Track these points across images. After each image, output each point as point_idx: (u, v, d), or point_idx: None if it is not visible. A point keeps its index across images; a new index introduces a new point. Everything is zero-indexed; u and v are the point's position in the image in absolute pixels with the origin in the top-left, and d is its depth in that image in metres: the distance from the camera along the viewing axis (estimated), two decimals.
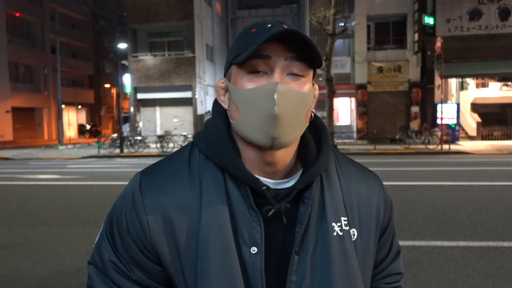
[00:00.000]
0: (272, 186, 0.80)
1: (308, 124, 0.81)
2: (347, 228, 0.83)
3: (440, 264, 4.20)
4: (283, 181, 0.82)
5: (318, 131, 0.86)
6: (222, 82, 0.82)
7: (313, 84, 0.80)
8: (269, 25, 0.75)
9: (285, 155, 0.80)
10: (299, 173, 0.83)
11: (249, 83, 0.75)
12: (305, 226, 0.79)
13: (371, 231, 0.87)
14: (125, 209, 0.82)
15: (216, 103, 0.86)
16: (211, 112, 0.87)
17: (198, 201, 0.79)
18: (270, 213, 0.77)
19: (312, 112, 0.83)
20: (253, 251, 0.77)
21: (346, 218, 0.83)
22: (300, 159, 0.84)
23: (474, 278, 3.84)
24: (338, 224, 0.82)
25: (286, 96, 0.72)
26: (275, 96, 0.71)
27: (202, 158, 0.82)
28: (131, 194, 0.82)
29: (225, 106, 0.82)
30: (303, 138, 0.84)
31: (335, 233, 0.81)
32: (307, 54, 0.75)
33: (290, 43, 0.74)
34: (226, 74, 0.82)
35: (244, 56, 0.73)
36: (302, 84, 0.76)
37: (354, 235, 0.84)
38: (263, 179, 0.80)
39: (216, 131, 0.81)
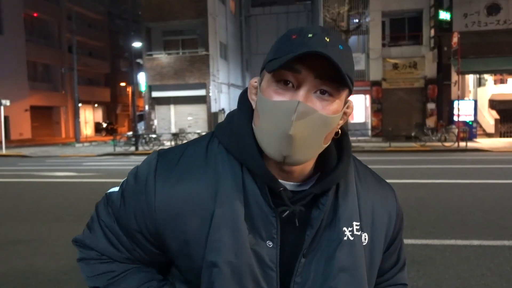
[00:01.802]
0: (289, 188, 0.80)
1: (327, 145, 0.79)
2: (358, 233, 0.83)
3: (453, 263, 4.14)
4: (299, 184, 0.82)
5: (340, 138, 0.85)
6: (255, 82, 0.81)
7: (346, 102, 0.77)
8: (310, 35, 0.72)
9: (302, 167, 0.80)
10: (316, 176, 0.82)
11: (274, 94, 0.73)
12: (317, 231, 0.80)
13: (380, 239, 0.88)
14: (136, 192, 0.82)
15: (242, 97, 0.85)
16: (237, 105, 0.85)
17: (212, 193, 0.78)
18: (285, 214, 0.77)
19: (339, 131, 0.82)
20: (269, 245, 0.78)
21: (358, 223, 0.83)
22: (317, 163, 0.83)
23: (487, 277, 3.78)
24: (350, 228, 0.81)
25: (305, 117, 0.70)
26: (294, 116, 0.69)
27: (221, 149, 0.81)
28: (145, 175, 0.82)
29: (253, 105, 0.80)
30: None
31: (345, 238, 0.81)
32: (339, 75, 0.71)
33: (324, 61, 0.70)
34: (261, 73, 0.80)
35: (275, 66, 0.71)
36: (328, 105, 0.73)
37: (365, 239, 0.84)
38: (281, 181, 0.80)
39: (240, 126, 0.80)
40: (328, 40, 0.71)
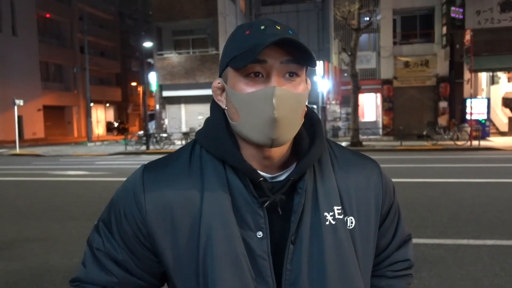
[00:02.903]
0: (269, 179, 0.83)
1: (303, 120, 0.83)
2: (341, 217, 0.84)
3: (466, 262, 4.10)
4: (278, 174, 0.84)
5: (313, 125, 0.88)
6: (219, 83, 0.85)
7: (306, 80, 0.83)
8: (262, 27, 0.77)
9: (282, 149, 0.83)
10: (293, 165, 0.85)
11: (247, 87, 0.77)
12: (300, 216, 0.81)
13: (370, 219, 0.88)
14: (124, 197, 0.85)
15: (214, 103, 0.89)
16: (210, 112, 0.89)
17: (199, 192, 0.81)
18: (266, 204, 0.79)
19: (306, 106, 0.85)
20: (259, 235, 0.80)
21: (340, 207, 0.84)
22: (294, 153, 0.86)
23: (501, 277, 3.74)
24: (331, 213, 0.83)
25: (284, 99, 0.75)
26: (274, 101, 0.74)
27: (204, 152, 0.85)
28: (132, 184, 0.85)
29: (223, 105, 0.84)
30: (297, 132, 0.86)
31: (327, 223, 0.82)
32: (302, 55, 0.77)
33: (285, 47, 0.76)
34: (222, 74, 0.84)
35: (244, 63, 0.75)
36: (297, 84, 0.79)
37: (352, 223, 0.85)
38: (260, 173, 0.82)
39: (214, 126, 0.84)
40: (279, 28, 0.78)
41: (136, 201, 0.83)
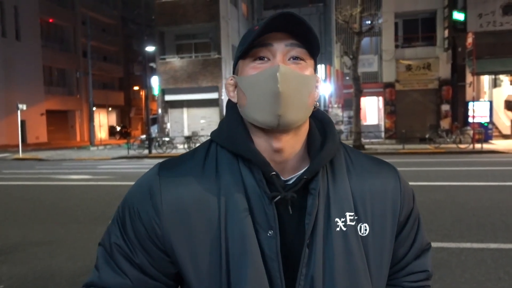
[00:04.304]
0: (282, 178, 0.83)
1: (312, 108, 0.84)
2: (353, 223, 0.82)
3: (470, 266, 4.09)
4: (291, 177, 0.84)
5: (324, 126, 0.89)
6: (231, 79, 0.87)
7: (315, 70, 0.85)
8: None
9: (292, 142, 0.82)
10: (307, 167, 0.84)
11: (254, 70, 0.80)
12: (315, 219, 0.80)
13: (386, 226, 0.85)
14: (140, 197, 0.83)
15: (229, 103, 0.90)
16: (225, 112, 0.91)
17: (215, 193, 0.81)
18: (276, 199, 0.79)
19: (316, 104, 0.85)
20: (270, 234, 0.79)
21: (352, 213, 0.83)
22: (308, 155, 0.86)
23: (505, 281, 3.73)
24: (342, 219, 0.81)
25: (288, 76, 0.77)
26: (278, 75, 0.76)
27: (219, 149, 0.86)
28: (148, 184, 0.84)
29: (235, 100, 0.86)
30: (309, 133, 0.86)
31: (338, 229, 0.81)
32: (307, 40, 0.80)
33: (290, 31, 0.79)
34: (234, 71, 0.87)
35: (246, 45, 0.79)
36: (303, 67, 0.81)
37: (366, 230, 0.83)
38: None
39: (229, 122, 0.86)
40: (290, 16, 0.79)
41: (153, 201, 0.81)
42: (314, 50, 0.82)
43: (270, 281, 0.78)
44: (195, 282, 0.81)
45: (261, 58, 0.80)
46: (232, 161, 0.83)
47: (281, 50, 0.79)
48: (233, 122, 0.85)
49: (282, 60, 0.79)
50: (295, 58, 0.80)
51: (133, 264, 0.83)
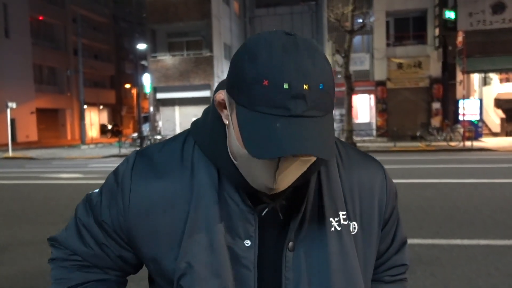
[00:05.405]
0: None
1: None
2: (346, 222, 0.80)
3: (460, 263, 4.12)
4: None
5: None
6: (223, 99, 0.73)
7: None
8: (285, 86, 0.62)
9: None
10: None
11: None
12: (301, 223, 0.77)
13: (373, 223, 0.85)
14: (112, 186, 0.83)
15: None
16: (211, 102, 0.80)
17: (187, 193, 0.77)
18: (264, 212, 0.75)
19: None
20: (247, 244, 0.75)
21: (345, 212, 0.81)
22: None
23: (495, 277, 3.76)
24: (336, 219, 0.80)
25: (288, 168, 0.68)
26: (276, 174, 0.68)
27: (197, 149, 0.80)
28: (122, 173, 0.83)
29: (225, 121, 0.74)
30: None
31: (333, 229, 0.79)
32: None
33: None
34: (228, 94, 0.70)
35: (258, 155, 0.63)
36: (309, 160, 0.71)
37: (354, 228, 0.82)
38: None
39: (214, 129, 0.77)
40: (307, 88, 0.63)
41: (122, 192, 0.80)
42: (329, 152, 0.67)
43: None
44: (159, 278, 0.81)
45: None
46: (209, 165, 0.78)
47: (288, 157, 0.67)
48: (218, 130, 0.76)
49: (285, 157, 0.66)
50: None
51: (97, 242, 0.84)
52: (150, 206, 0.78)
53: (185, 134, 0.84)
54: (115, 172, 0.84)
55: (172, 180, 0.78)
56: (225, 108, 0.72)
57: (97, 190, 0.89)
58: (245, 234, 0.75)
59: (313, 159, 0.70)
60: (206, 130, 0.79)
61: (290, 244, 0.77)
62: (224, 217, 0.76)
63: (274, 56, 0.63)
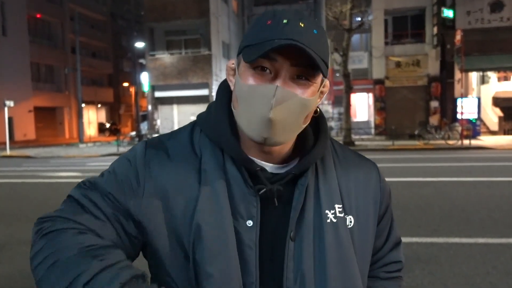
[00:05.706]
0: (269, 170, 0.83)
1: (306, 125, 0.81)
2: (342, 215, 0.84)
3: (458, 261, 4.13)
4: (280, 166, 0.84)
5: (317, 120, 0.88)
6: (233, 63, 0.83)
7: (322, 81, 0.79)
8: (284, 21, 0.73)
9: (280, 147, 0.82)
10: (297, 159, 0.85)
11: (252, 79, 0.75)
12: (300, 213, 0.81)
13: (369, 218, 0.88)
14: (127, 170, 0.82)
15: (220, 87, 0.88)
16: (215, 95, 0.89)
17: (196, 176, 0.81)
18: (261, 192, 0.79)
19: (317, 109, 0.84)
20: (249, 224, 0.79)
21: (341, 206, 0.84)
22: (298, 146, 0.86)
23: (493, 275, 3.77)
24: (332, 211, 0.83)
25: (284, 101, 0.73)
26: (273, 101, 0.72)
27: (203, 137, 0.85)
28: (134, 159, 0.84)
29: (232, 86, 0.83)
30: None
31: (328, 220, 0.82)
32: (315, 64, 0.73)
33: (299, 50, 0.72)
34: (238, 56, 0.81)
35: (252, 57, 0.73)
36: (306, 88, 0.75)
37: (351, 222, 0.85)
38: (261, 162, 0.82)
39: (217, 114, 0.84)
40: (302, 25, 0.73)
41: (139, 177, 0.81)
42: (323, 71, 0.75)
43: (246, 270, 0.77)
44: (168, 261, 0.79)
45: (263, 69, 0.74)
46: (216, 151, 0.83)
47: (285, 68, 0.73)
48: (221, 113, 0.83)
49: (284, 79, 0.73)
50: (299, 76, 0.75)
51: (103, 212, 0.79)
52: (163, 191, 0.80)
53: (191, 125, 0.90)
54: (126, 158, 0.86)
55: (183, 164, 0.82)
56: (234, 73, 0.81)
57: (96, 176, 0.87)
58: (247, 215, 0.79)
59: (310, 92, 0.75)
60: (210, 118, 0.86)
61: (292, 233, 0.80)
62: (230, 199, 0.80)
63: (277, 12, 0.75)
